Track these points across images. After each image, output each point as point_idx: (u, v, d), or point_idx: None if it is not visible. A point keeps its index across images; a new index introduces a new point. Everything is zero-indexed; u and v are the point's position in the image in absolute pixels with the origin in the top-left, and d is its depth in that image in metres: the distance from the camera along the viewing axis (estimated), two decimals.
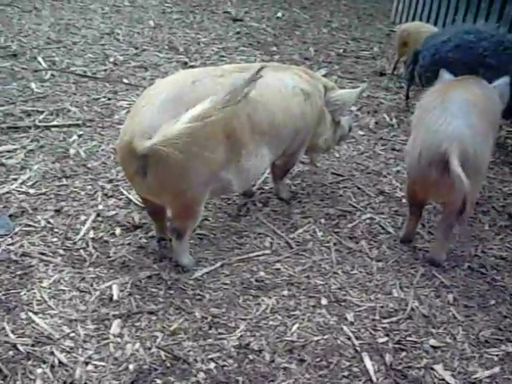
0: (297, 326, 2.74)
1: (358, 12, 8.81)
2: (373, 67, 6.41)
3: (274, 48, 6.67)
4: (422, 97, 3.45)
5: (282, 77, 3.27)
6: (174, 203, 2.89)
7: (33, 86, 5.00)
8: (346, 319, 2.81)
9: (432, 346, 2.69)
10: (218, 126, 2.74)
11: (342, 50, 6.88)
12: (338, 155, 4.34)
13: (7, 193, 3.51)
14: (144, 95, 2.84)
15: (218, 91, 2.65)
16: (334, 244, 3.36)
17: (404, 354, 2.64)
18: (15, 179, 3.65)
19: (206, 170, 2.78)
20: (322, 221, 3.57)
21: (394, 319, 2.84)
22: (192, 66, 5.64)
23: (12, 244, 3.09)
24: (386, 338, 2.71)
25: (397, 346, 2.68)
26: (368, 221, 3.62)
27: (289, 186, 3.85)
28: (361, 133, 4.78)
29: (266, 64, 3.43)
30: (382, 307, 2.91)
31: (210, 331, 2.66)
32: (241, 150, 2.96)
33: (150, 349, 2.53)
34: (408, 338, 2.72)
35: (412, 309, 2.91)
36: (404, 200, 3.74)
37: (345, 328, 2.75)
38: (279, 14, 8.15)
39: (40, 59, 5.55)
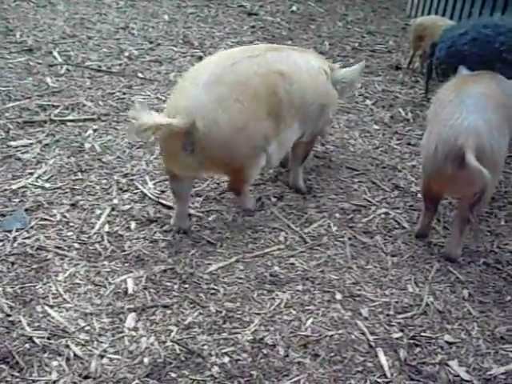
0: (311, 320, 2.74)
1: (374, 5, 8.73)
2: (388, 61, 6.36)
3: (289, 42, 6.63)
4: (437, 91, 3.43)
5: (308, 58, 3.44)
6: (225, 173, 3.20)
7: (48, 80, 5.02)
8: (360, 314, 2.80)
9: (447, 342, 2.68)
10: (262, 103, 2.99)
11: (357, 44, 6.83)
12: (353, 149, 4.32)
13: (23, 187, 3.53)
14: (186, 77, 3.03)
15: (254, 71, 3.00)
16: (349, 239, 3.35)
17: (418, 349, 2.63)
18: (31, 173, 3.67)
19: (250, 144, 2.99)
20: (337, 215, 3.56)
21: (409, 314, 2.83)
22: None
23: (28, 238, 3.12)
24: (400, 334, 2.70)
25: (411, 341, 2.67)
26: (383, 215, 3.60)
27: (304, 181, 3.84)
28: (376, 127, 4.75)
29: (294, 47, 3.71)
30: (396, 302, 2.90)
31: (224, 325, 2.66)
32: (280, 124, 3.14)
33: (164, 342, 2.54)
34: (423, 334, 2.71)
35: (427, 304, 2.90)
36: (419, 195, 3.71)
37: (359, 323, 2.75)
38: (294, 8, 8.10)
39: (55, 54, 5.57)
